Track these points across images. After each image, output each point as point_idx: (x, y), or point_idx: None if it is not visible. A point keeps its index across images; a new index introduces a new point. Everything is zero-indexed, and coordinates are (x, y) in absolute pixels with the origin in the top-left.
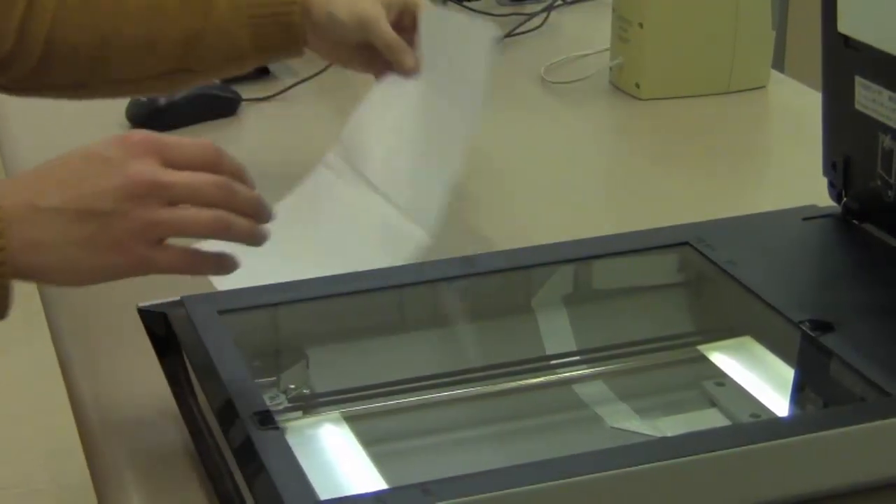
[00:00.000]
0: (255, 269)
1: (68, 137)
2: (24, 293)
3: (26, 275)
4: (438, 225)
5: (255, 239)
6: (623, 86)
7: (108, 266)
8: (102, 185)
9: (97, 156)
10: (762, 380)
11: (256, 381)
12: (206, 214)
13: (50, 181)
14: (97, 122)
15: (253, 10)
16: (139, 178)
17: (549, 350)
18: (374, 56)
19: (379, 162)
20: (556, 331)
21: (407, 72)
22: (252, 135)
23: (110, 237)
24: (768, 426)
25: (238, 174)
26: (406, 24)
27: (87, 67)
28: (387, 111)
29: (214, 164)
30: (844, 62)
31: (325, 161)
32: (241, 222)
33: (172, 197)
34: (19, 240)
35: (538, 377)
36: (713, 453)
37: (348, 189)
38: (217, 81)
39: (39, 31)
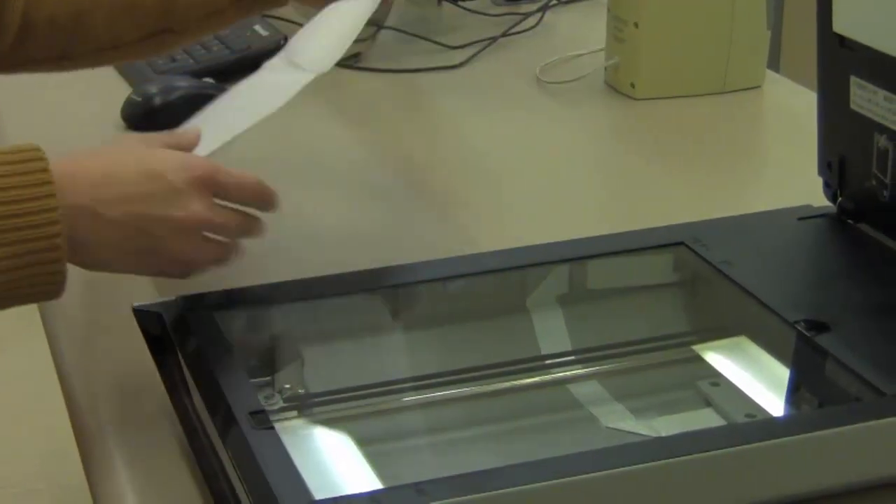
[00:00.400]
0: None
1: (65, 136)
2: None
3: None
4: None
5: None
6: (618, 86)
7: (142, 269)
8: (164, 213)
9: (163, 179)
10: (757, 380)
11: (251, 380)
12: (223, 250)
13: (113, 190)
14: (93, 121)
15: None
16: (196, 217)
17: (544, 350)
18: None
19: (307, 46)
20: (551, 331)
21: None
22: (246, 134)
23: (154, 256)
24: (763, 426)
25: (272, 203)
26: None
27: (66, 38)
28: (331, 16)
29: (260, 200)
30: (840, 62)
31: (266, 65)
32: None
33: (212, 231)
34: (74, 239)
35: (533, 377)
36: (708, 453)
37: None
38: (199, 45)
39: (15, 6)
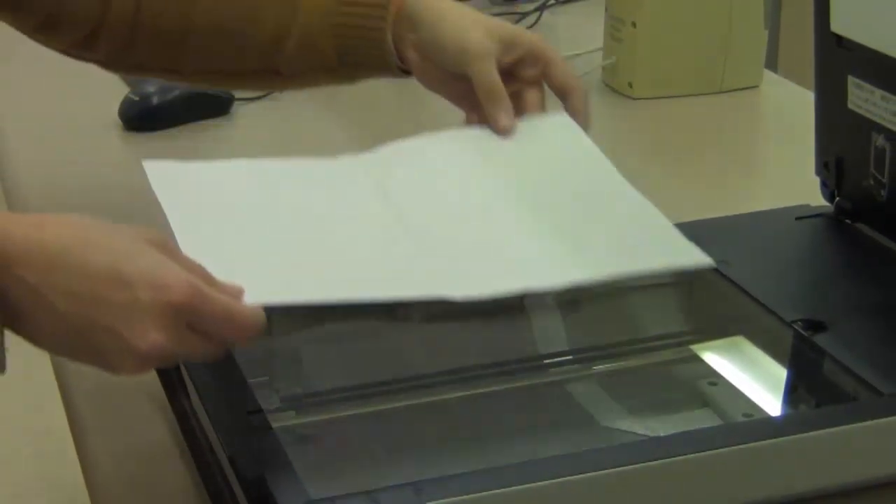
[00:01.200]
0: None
1: (63, 135)
2: None
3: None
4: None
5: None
6: (616, 85)
7: (82, 361)
8: (114, 327)
9: (128, 290)
10: (755, 379)
11: (249, 380)
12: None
13: (69, 279)
14: (91, 120)
15: (339, 18)
16: (150, 347)
17: (542, 350)
18: (471, 93)
19: (430, 219)
20: (549, 331)
21: (499, 128)
22: (245, 134)
23: (96, 358)
24: (761, 426)
25: (254, 337)
26: (528, 76)
27: (174, 53)
28: (453, 165)
29: (241, 335)
30: (837, 62)
31: (351, 170)
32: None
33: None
34: (17, 312)
35: (531, 377)
36: (706, 453)
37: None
38: None
39: (125, 12)
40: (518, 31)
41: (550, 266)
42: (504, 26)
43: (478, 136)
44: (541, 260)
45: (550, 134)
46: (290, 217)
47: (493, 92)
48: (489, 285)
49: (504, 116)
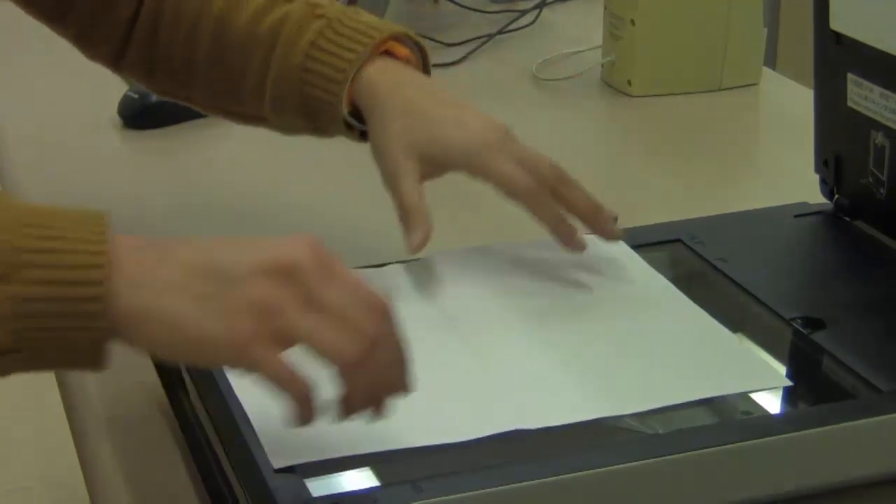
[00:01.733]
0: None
1: (62, 133)
2: None
3: (125, 325)
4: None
5: (374, 401)
6: (615, 83)
7: (210, 336)
8: (243, 255)
9: (247, 238)
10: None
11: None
12: (334, 333)
13: (179, 241)
14: (90, 118)
15: (303, 76)
16: (286, 258)
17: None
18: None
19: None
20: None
21: (410, 248)
22: (244, 132)
23: (227, 302)
24: (760, 423)
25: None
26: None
27: (184, 86)
28: (511, 286)
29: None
30: (836, 59)
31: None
32: (368, 379)
33: (318, 297)
34: (126, 278)
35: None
36: (704, 450)
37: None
38: None
39: (144, 40)
40: (452, 146)
41: (622, 393)
42: (436, 141)
43: (533, 253)
44: (611, 387)
45: (603, 255)
46: None
47: (405, 212)
48: (564, 414)
49: (415, 236)
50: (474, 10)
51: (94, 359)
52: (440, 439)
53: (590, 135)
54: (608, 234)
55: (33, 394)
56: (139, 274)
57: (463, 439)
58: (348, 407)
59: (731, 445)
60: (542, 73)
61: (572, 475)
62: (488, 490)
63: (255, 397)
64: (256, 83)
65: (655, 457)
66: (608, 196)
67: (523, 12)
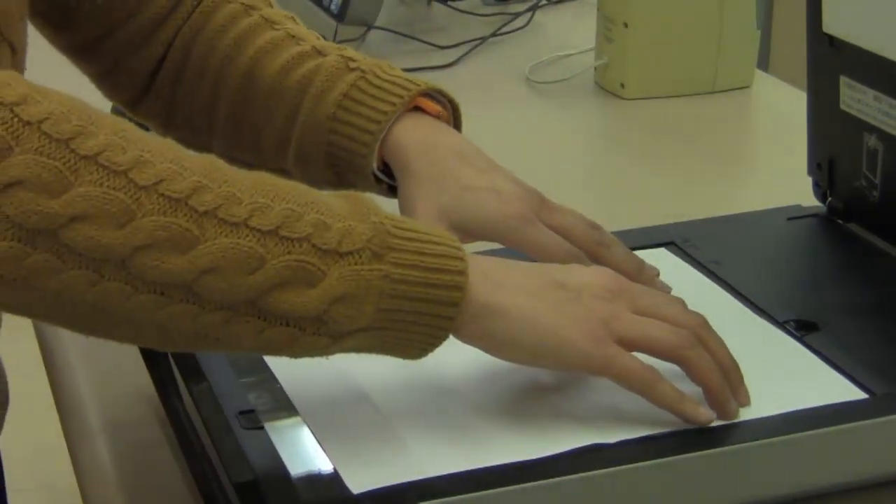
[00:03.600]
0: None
1: None
2: None
3: (473, 317)
4: None
5: (716, 390)
6: (608, 86)
7: (564, 337)
8: (577, 276)
9: (558, 266)
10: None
11: (241, 380)
12: (670, 328)
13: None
14: None
15: (330, 136)
16: (609, 280)
17: None
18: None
19: None
20: None
21: None
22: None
23: (577, 311)
24: (754, 426)
25: (722, 359)
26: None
27: (203, 137)
28: None
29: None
30: (829, 62)
31: None
32: (706, 356)
33: (644, 305)
34: (476, 274)
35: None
36: (699, 452)
37: None
38: None
39: (164, 88)
40: (486, 217)
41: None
42: (469, 209)
43: None
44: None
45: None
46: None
47: None
48: (643, 428)
49: None
50: (467, 12)
51: (429, 345)
52: (512, 457)
53: (582, 137)
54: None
55: (26, 396)
56: (490, 274)
57: (540, 456)
58: (711, 395)
59: (726, 448)
60: (534, 75)
61: (574, 476)
62: (487, 492)
63: (324, 419)
64: (282, 134)
65: (655, 458)
66: (600, 198)
67: (516, 15)
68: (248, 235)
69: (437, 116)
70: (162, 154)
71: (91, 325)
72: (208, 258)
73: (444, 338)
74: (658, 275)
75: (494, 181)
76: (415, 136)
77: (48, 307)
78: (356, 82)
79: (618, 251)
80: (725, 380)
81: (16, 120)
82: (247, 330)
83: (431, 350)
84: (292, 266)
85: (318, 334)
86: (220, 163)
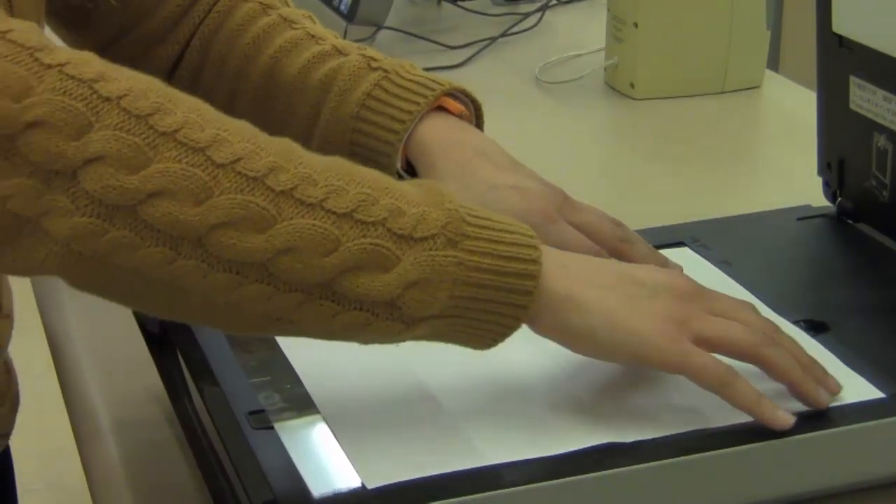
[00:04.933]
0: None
1: None
2: (19, 292)
3: (547, 308)
4: None
5: (800, 382)
6: (617, 86)
7: (641, 332)
8: (654, 274)
9: (634, 265)
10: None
11: (251, 380)
12: (746, 327)
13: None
14: None
15: (352, 136)
16: (684, 282)
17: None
18: None
19: None
20: None
21: None
22: None
23: (654, 307)
24: (763, 427)
25: (800, 357)
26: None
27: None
28: None
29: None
30: (839, 62)
31: None
32: (784, 352)
33: (717, 307)
34: (555, 265)
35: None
36: (708, 453)
37: None
38: None
39: (185, 75)
40: (507, 212)
41: (718, 407)
42: (492, 208)
43: None
44: (697, 400)
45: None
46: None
47: None
48: (658, 427)
49: None
50: (477, 12)
51: (500, 335)
52: (526, 454)
53: (593, 137)
54: None
55: (36, 396)
56: (567, 266)
57: (552, 453)
58: (796, 388)
59: (735, 448)
60: (544, 75)
61: (575, 478)
62: (493, 492)
63: (343, 416)
64: (304, 133)
65: (660, 459)
66: (611, 199)
67: (526, 15)
68: (323, 217)
69: (460, 116)
70: (239, 133)
71: (165, 304)
72: (284, 238)
73: (516, 327)
74: (682, 272)
75: (518, 179)
76: (439, 135)
77: (124, 286)
78: (379, 82)
79: (641, 248)
80: (806, 373)
81: (95, 96)
82: (320, 313)
83: (502, 340)
84: (367, 249)
85: (391, 319)
86: (295, 145)
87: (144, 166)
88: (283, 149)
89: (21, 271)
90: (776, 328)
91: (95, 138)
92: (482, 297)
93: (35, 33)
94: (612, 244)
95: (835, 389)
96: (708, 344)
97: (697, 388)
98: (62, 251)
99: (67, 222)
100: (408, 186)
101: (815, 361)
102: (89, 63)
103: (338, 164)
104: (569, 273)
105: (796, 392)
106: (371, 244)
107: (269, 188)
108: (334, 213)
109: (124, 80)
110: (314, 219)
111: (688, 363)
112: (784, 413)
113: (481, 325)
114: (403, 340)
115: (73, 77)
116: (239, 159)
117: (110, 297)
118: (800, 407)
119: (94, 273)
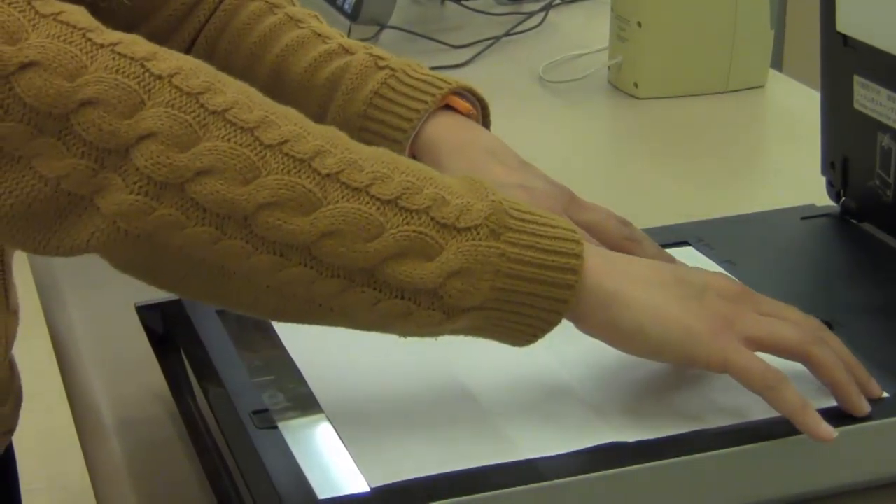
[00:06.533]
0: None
1: None
2: (22, 290)
3: (589, 304)
4: None
5: (844, 385)
6: (621, 85)
7: (690, 329)
8: (702, 275)
9: (681, 266)
10: None
11: (254, 379)
12: (795, 326)
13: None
14: None
15: (363, 122)
16: (731, 282)
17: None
18: None
19: None
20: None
21: None
22: None
23: (702, 306)
24: (766, 426)
25: (846, 358)
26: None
27: None
28: None
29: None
30: (843, 61)
31: None
32: (832, 353)
33: (764, 308)
34: (603, 262)
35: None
36: (710, 453)
37: None
38: None
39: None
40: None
41: (720, 408)
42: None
43: None
44: (701, 400)
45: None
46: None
47: None
48: (662, 429)
49: None
50: (481, 12)
51: (540, 329)
52: (533, 454)
53: (596, 137)
54: None
55: (39, 395)
56: (615, 263)
57: (556, 453)
58: (838, 390)
59: (737, 448)
60: (548, 75)
61: (575, 478)
62: (495, 492)
63: (347, 415)
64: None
65: (661, 459)
66: (614, 198)
67: (530, 14)
68: (368, 202)
69: (468, 115)
70: (286, 116)
71: (208, 288)
72: (329, 221)
73: (556, 321)
74: (726, 274)
75: (525, 178)
76: (447, 133)
77: (167, 267)
78: (387, 80)
79: (648, 247)
80: (851, 376)
81: (147, 74)
82: (362, 300)
83: (542, 335)
84: (411, 237)
85: (433, 309)
86: (341, 133)
87: (194, 144)
88: (329, 134)
89: (67, 251)
90: (824, 327)
91: (148, 115)
92: (524, 289)
93: (84, 15)
94: (620, 243)
95: (877, 393)
96: (756, 343)
97: (700, 388)
98: (109, 229)
99: (116, 199)
100: (451, 179)
101: (859, 364)
102: (139, 43)
103: (383, 153)
104: (616, 270)
105: (838, 394)
106: (415, 231)
107: (315, 171)
108: (379, 199)
109: (174, 59)
110: (359, 203)
111: (733, 362)
112: (828, 427)
113: (522, 320)
114: (442, 333)
115: (125, 56)
116: (286, 141)
117: (153, 279)
118: (826, 403)
119: (138, 252)
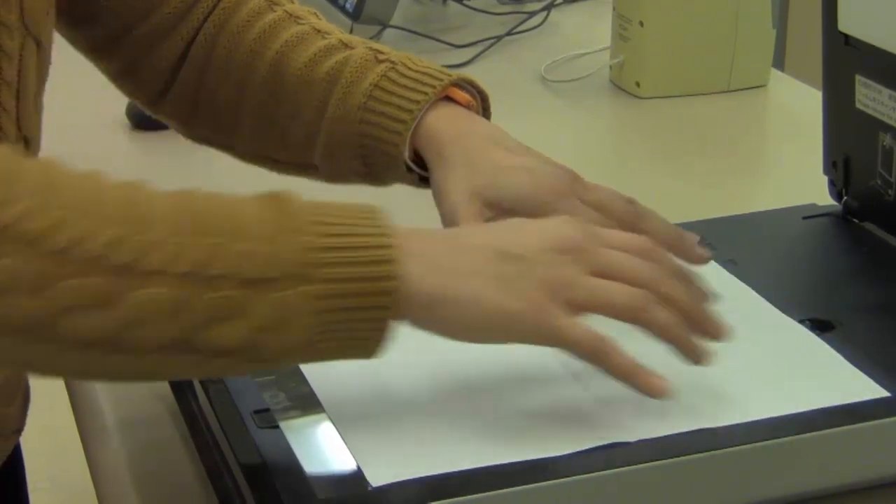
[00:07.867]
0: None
1: (70, 135)
2: None
3: (418, 309)
4: None
5: (681, 342)
6: (623, 84)
7: (512, 313)
8: (529, 238)
9: (520, 222)
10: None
11: (256, 378)
12: (625, 289)
13: (461, 230)
14: (99, 119)
15: (360, 126)
16: (567, 237)
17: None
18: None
19: None
20: None
21: None
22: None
23: (523, 282)
24: (767, 425)
25: (679, 274)
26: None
27: (226, 132)
28: None
29: (650, 255)
30: (845, 61)
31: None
32: (663, 313)
33: (599, 264)
34: (419, 265)
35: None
36: (710, 452)
37: None
38: None
39: (187, 87)
40: (520, 192)
41: (724, 406)
42: (503, 186)
43: None
44: (710, 399)
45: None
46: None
47: None
48: (665, 426)
49: None
50: (482, 11)
51: (374, 339)
52: (536, 454)
53: (598, 136)
54: (695, 259)
55: (41, 395)
56: (433, 260)
57: (561, 454)
58: (678, 348)
59: (742, 447)
60: (550, 74)
61: (575, 478)
62: (497, 492)
63: (349, 415)
64: (310, 126)
65: (661, 459)
66: None
67: (531, 14)
68: (168, 282)
69: (468, 106)
70: (85, 211)
71: (36, 372)
72: (133, 310)
73: (387, 327)
74: (699, 240)
75: (527, 160)
76: (447, 124)
77: None
78: (386, 73)
79: (655, 222)
80: (689, 324)
81: None
82: (185, 365)
83: (383, 344)
84: (217, 303)
85: (257, 360)
86: (142, 193)
87: None
88: (125, 213)
89: None
90: (665, 272)
91: None
92: (341, 320)
93: None
94: (625, 219)
95: (714, 334)
96: (583, 309)
97: (702, 387)
98: None
99: None
100: (261, 212)
101: (695, 307)
102: None
103: (187, 209)
104: (436, 266)
105: (678, 350)
106: (219, 297)
107: (108, 267)
108: (178, 275)
109: None
110: (158, 286)
111: (560, 338)
112: (660, 380)
113: (354, 336)
114: (285, 367)
115: None
116: (77, 242)
117: None
118: (829, 401)
119: None
